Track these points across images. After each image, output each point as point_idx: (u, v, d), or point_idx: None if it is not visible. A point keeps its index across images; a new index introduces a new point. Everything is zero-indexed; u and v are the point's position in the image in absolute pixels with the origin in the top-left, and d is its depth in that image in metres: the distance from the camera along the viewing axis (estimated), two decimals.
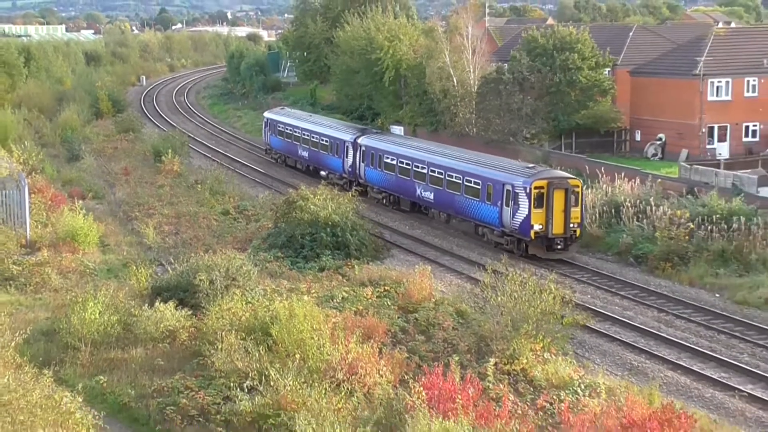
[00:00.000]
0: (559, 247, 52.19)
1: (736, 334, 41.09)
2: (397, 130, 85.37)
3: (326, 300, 42.04)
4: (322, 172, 76.06)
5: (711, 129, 79.89)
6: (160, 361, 34.88)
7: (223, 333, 33.63)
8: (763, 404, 33.85)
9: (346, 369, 31.38)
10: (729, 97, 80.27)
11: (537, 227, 51.52)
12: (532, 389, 33.68)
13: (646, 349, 39.41)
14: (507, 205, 52.80)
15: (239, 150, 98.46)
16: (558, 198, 51.62)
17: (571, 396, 32.32)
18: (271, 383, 29.72)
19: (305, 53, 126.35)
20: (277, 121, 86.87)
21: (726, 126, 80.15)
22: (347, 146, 71.81)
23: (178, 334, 36.59)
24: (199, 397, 31.30)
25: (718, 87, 79.98)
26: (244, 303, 36.28)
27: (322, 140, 76.64)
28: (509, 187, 52.80)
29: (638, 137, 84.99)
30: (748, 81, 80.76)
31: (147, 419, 31.14)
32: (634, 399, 27.90)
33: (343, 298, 43.15)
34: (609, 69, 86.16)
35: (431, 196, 61.13)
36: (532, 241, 51.93)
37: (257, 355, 32.12)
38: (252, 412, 29.37)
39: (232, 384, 31.11)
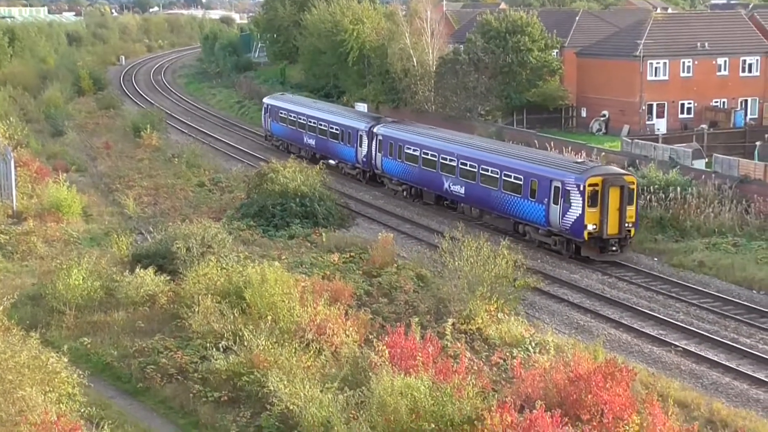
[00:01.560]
0: (613, 248, 45.58)
1: (673, 294, 41.44)
2: (361, 107, 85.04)
3: (296, 265, 41.97)
4: (331, 161, 68.92)
5: (650, 106, 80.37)
6: (141, 323, 34.75)
7: (200, 297, 33.52)
8: (696, 358, 34.23)
9: (315, 329, 31.38)
10: (666, 77, 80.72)
11: (591, 228, 44.86)
12: (486, 347, 33.85)
13: (591, 309, 39.71)
14: (555, 203, 46.08)
15: (213, 126, 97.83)
16: (613, 196, 44.95)
17: (522, 353, 32.52)
18: (245, 343, 29.72)
19: (275, 35, 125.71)
20: (279, 108, 79.08)
21: (664, 104, 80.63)
22: (361, 135, 64.48)
23: (157, 299, 36.44)
24: (178, 357, 31.31)
25: (656, 68, 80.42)
26: (219, 269, 36.11)
27: (332, 128, 69.11)
28: (558, 184, 46.02)
29: (584, 114, 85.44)
30: (684, 62, 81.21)
31: (129, 377, 31.14)
32: (580, 355, 28.06)
33: (311, 263, 43.15)
34: (557, 50, 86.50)
35: (461, 191, 54.00)
36: (585, 242, 45.44)
37: (232, 317, 32.07)
38: (227, 370, 29.38)
39: (208, 344, 31.11)
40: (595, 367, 26.99)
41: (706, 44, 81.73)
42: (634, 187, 46.11)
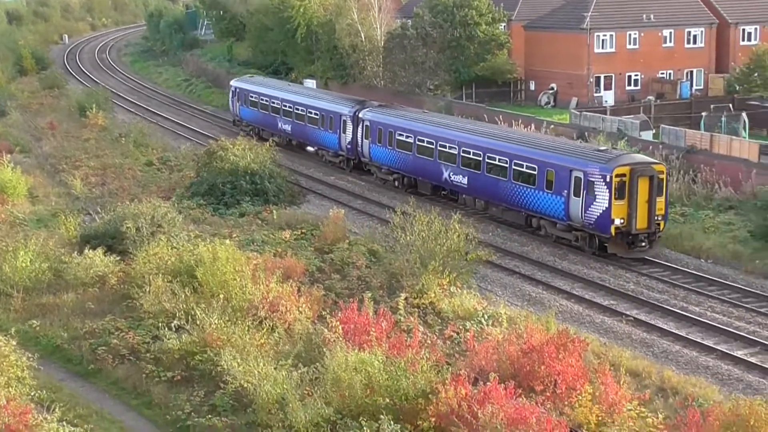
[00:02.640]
0: (642, 244, 41.78)
1: (623, 265, 41.75)
2: (310, 83, 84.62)
3: (247, 243, 41.85)
4: (310, 148, 65.66)
5: (598, 79, 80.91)
6: (91, 304, 34.49)
7: (151, 276, 33.36)
8: (647, 327, 34.58)
9: (268, 307, 31.36)
10: (613, 50, 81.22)
11: (618, 222, 41.04)
12: (440, 321, 33.96)
13: (543, 281, 39.99)
14: (577, 196, 42.24)
15: (161, 104, 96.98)
16: (642, 187, 41.24)
17: (475, 326, 32.68)
18: (198, 322, 29.63)
19: (221, 12, 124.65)
20: (249, 91, 74.07)
21: (611, 76, 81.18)
22: (344, 120, 59.88)
23: (107, 279, 36.19)
24: (129, 337, 31.16)
25: (603, 40, 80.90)
26: (169, 248, 35.92)
27: (311, 113, 64.33)
28: (580, 174, 42.17)
29: (533, 87, 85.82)
30: (630, 34, 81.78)
31: (80, 359, 30.89)
32: (532, 327, 28.29)
33: (263, 241, 43.06)
34: (504, 24, 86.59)
35: (464, 181, 49.81)
36: (611, 238, 41.55)
37: (183, 296, 31.93)
38: (180, 349, 29.31)
39: (160, 324, 30.96)
40: (548, 338, 27.28)
41: (652, 16, 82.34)
42: (664, 176, 42.46)
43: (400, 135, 54.75)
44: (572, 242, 43.84)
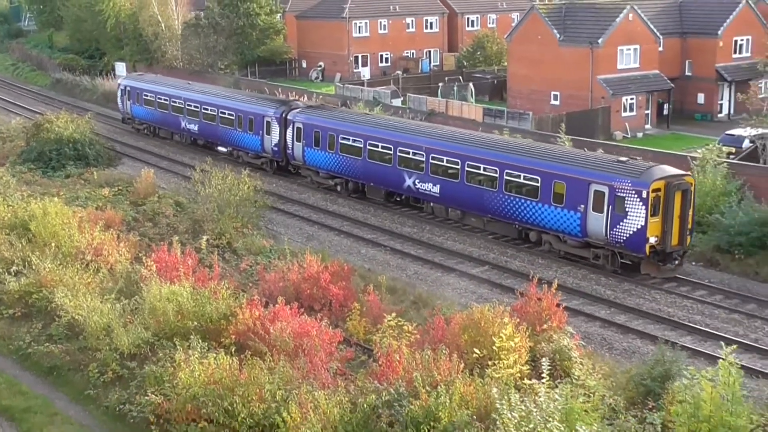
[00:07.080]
0: (676, 262, 32.45)
1: (380, 206, 42.53)
2: (120, 66, 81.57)
3: (73, 200, 40.44)
4: (222, 148, 53.00)
5: (356, 58, 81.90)
6: None
7: None
8: (401, 255, 35.54)
9: (93, 252, 30.55)
10: (368, 34, 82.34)
11: (653, 240, 31.39)
12: (236, 257, 33.92)
13: (318, 221, 40.35)
14: (598, 211, 32.18)
15: None
16: (677, 201, 31.75)
17: (265, 260, 32.84)
18: (33, 267, 28.64)
19: (41, 6, 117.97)
20: (142, 89, 60.25)
21: (367, 55, 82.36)
22: (268, 122, 47.83)
23: None
24: None
25: (359, 27, 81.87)
26: (5, 206, 34.49)
27: (224, 113, 51.76)
28: (602, 188, 32.00)
29: (305, 65, 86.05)
30: (381, 22, 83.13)
31: None
32: (311, 259, 28.59)
33: (86, 197, 41.74)
34: (280, 14, 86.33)
35: (435, 190, 38.59)
36: (646, 258, 31.78)
37: (20, 246, 30.77)
38: (19, 290, 28.30)
39: (0, 270, 29.60)
40: (323, 267, 27.71)
41: (397, 7, 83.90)
42: (693, 188, 32.75)
43: (345, 138, 42.79)
44: (590, 260, 33.57)
